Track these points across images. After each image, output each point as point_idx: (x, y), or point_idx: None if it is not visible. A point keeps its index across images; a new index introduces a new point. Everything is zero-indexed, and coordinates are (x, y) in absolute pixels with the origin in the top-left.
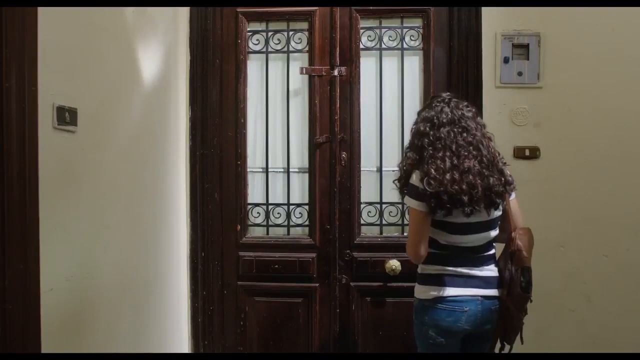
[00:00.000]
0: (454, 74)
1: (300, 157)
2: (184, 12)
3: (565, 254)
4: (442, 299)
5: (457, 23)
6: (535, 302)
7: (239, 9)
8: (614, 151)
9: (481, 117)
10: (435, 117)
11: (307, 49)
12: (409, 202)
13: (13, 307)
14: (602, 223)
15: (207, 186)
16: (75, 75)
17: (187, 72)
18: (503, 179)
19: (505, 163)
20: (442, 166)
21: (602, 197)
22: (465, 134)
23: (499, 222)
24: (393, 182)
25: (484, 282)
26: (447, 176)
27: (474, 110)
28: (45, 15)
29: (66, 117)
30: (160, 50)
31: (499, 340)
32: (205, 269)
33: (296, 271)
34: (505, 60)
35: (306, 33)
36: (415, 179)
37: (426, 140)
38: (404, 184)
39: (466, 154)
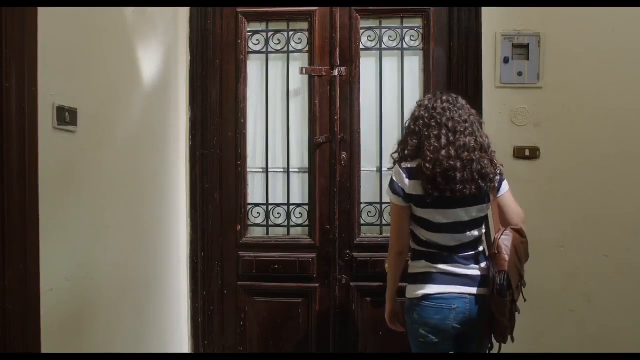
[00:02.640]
0: (454, 74)
1: (300, 157)
2: (184, 12)
3: (565, 254)
4: (429, 297)
5: (457, 23)
6: (535, 302)
7: (239, 9)
8: (614, 151)
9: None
10: (428, 102)
11: (307, 49)
12: (389, 194)
13: (13, 307)
14: (602, 223)
15: (207, 186)
16: (75, 75)
17: (187, 72)
18: (495, 169)
19: (493, 152)
20: (436, 144)
21: (602, 197)
22: (461, 112)
23: (485, 221)
24: (388, 169)
25: (472, 280)
26: (443, 152)
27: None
28: (45, 15)
29: (66, 117)
30: (160, 50)
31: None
32: (205, 269)
33: (296, 271)
34: (505, 60)
35: (306, 33)
36: (393, 171)
37: (421, 122)
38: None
39: (462, 129)
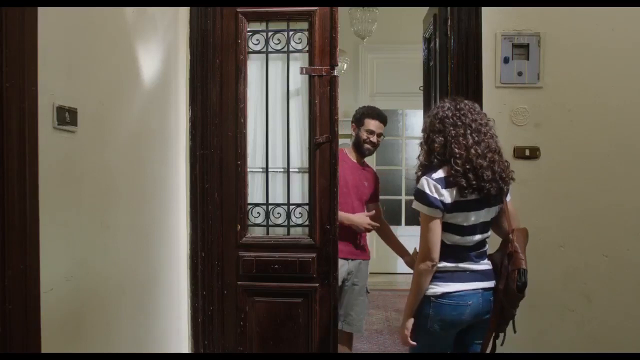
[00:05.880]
0: (454, 73)
1: (300, 157)
2: (184, 12)
3: (565, 254)
4: (447, 295)
5: (457, 23)
6: (535, 302)
7: (239, 9)
8: (613, 151)
9: None
10: (450, 104)
11: (307, 49)
12: (418, 207)
13: (13, 307)
14: (602, 223)
15: (207, 186)
16: (75, 75)
17: (187, 72)
18: (511, 173)
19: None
20: (464, 143)
21: (602, 197)
22: (481, 115)
23: (496, 221)
24: (415, 173)
25: (483, 275)
26: (472, 150)
27: None
28: (45, 15)
29: (66, 117)
30: (160, 50)
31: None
32: (205, 269)
33: (296, 271)
34: (505, 60)
35: (306, 33)
36: (424, 184)
37: (447, 121)
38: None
39: (485, 131)
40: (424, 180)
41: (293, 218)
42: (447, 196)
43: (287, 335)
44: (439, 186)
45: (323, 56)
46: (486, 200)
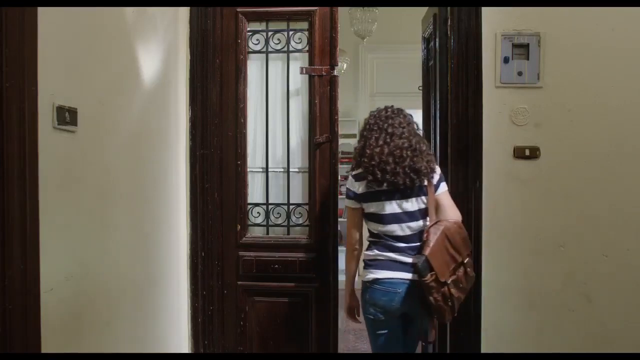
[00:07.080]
0: (454, 73)
1: (300, 157)
2: (184, 12)
3: (565, 254)
4: (378, 281)
5: (457, 23)
6: (535, 302)
7: (239, 9)
8: (614, 151)
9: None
10: (377, 112)
11: (307, 49)
12: (345, 201)
13: (13, 307)
14: (602, 223)
15: (207, 186)
16: (75, 75)
17: (187, 72)
18: (429, 166)
19: (431, 155)
20: (373, 143)
21: (602, 197)
22: (401, 120)
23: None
24: (347, 172)
25: (412, 267)
26: (377, 149)
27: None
28: (45, 15)
29: (66, 117)
30: (160, 50)
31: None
32: (205, 269)
33: (296, 271)
34: (505, 60)
35: (306, 33)
36: (348, 180)
37: (367, 127)
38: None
39: (399, 134)
40: (348, 179)
41: (293, 218)
42: (358, 187)
43: (287, 335)
44: (354, 180)
45: (323, 56)
46: (398, 192)
